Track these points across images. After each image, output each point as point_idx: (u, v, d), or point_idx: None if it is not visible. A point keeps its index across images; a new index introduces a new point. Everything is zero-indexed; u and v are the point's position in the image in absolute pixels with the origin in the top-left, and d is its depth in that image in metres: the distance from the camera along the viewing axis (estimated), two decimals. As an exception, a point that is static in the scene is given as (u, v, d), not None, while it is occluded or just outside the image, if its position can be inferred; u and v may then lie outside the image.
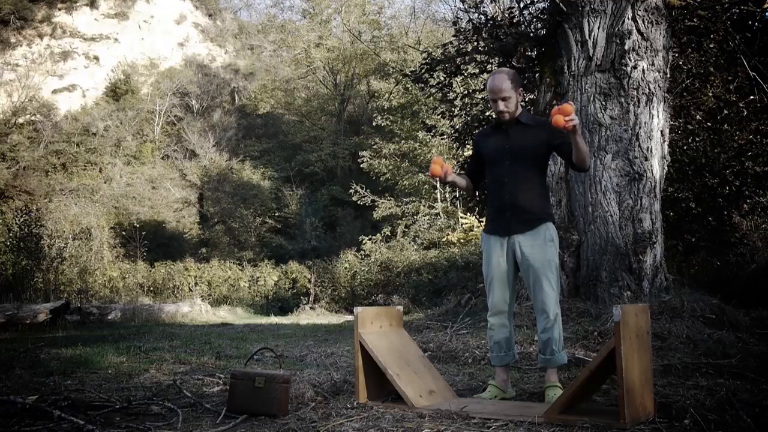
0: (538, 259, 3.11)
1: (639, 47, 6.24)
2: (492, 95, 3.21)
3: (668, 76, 6.69)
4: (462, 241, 17.02)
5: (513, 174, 3.19)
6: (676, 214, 8.72)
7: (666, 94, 6.54)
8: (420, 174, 22.73)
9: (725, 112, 8.26)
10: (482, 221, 14.93)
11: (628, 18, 6.23)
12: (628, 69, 6.20)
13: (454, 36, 9.21)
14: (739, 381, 3.37)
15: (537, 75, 7.58)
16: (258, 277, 18.94)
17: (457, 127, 10.25)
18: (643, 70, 6.24)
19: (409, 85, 21.09)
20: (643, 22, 6.27)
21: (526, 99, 9.01)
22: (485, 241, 3.30)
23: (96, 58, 41.61)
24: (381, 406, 2.96)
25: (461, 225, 18.51)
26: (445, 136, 14.72)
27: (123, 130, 34.13)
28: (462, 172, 3.43)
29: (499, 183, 3.23)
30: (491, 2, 11.51)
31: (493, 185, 3.28)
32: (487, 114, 9.72)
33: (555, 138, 3.16)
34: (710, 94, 8.15)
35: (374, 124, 25.07)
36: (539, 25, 8.22)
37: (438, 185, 22.20)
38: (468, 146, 10.27)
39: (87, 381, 4.07)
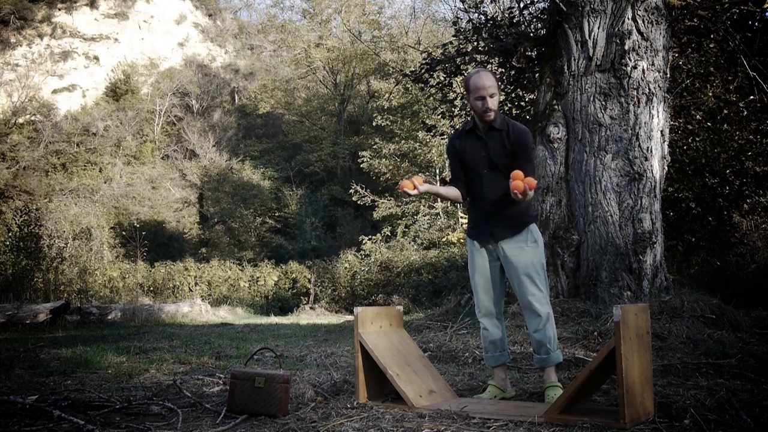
0: (522, 260, 3.11)
1: (639, 47, 6.24)
2: (480, 92, 3.09)
3: (668, 76, 6.69)
4: (462, 241, 17.01)
5: (492, 182, 3.16)
6: (676, 214, 8.72)
7: (666, 94, 6.54)
8: (420, 174, 22.71)
9: (725, 112, 8.26)
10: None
11: (628, 18, 6.23)
12: (628, 69, 6.21)
13: (454, 36, 9.22)
14: (739, 381, 3.37)
15: (537, 75, 7.58)
16: (258, 277, 18.92)
17: (457, 127, 10.25)
18: (643, 70, 6.24)
19: (409, 85, 21.09)
20: (643, 22, 6.27)
21: (526, 99, 9.02)
22: (470, 245, 3.30)
23: (96, 58, 41.62)
24: (381, 406, 2.96)
25: (461, 225, 18.51)
26: (445, 136, 14.72)
27: (123, 130, 34.13)
28: (447, 182, 3.36)
29: (479, 191, 3.21)
30: (491, 2, 11.52)
31: (474, 193, 3.25)
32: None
33: (513, 149, 3.14)
34: (710, 94, 8.15)
35: (374, 124, 25.06)
36: (539, 25, 8.23)
37: (438, 185, 22.16)
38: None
39: (87, 381, 4.07)
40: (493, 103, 3.11)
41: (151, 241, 24.78)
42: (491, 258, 3.21)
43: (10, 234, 15.09)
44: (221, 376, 4.04)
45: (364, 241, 18.92)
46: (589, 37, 6.34)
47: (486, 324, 3.27)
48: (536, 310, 3.10)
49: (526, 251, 3.12)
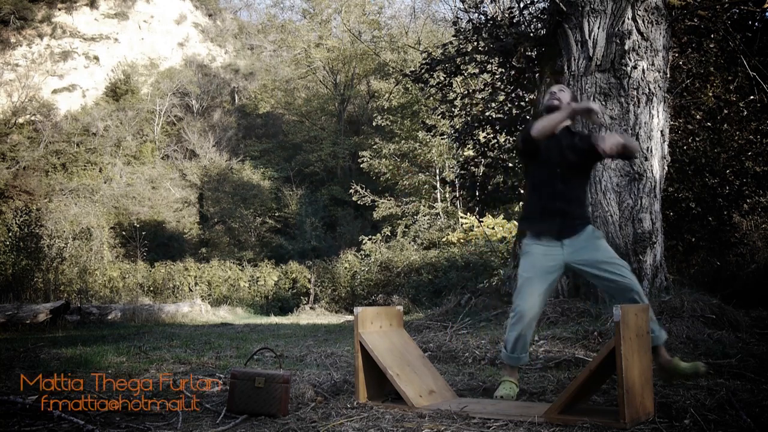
0: (601, 250, 3.13)
1: (639, 47, 6.24)
2: (551, 88, 3.47)
3: (668, 76, 6.69)
4: (462, 241, 17.01)
5: (564, 179, 3.21)
6: (676, 214, 8.72)
7: (666, 94, 6.54)
8: (420, 174, 22.74)
9: (725, 112, 8.26)
10: (482, 221, 14.94)
11: (628, 18, 6.24)
12: (628, 69, 6.21)
13: (454, 36, 9.21)
14: (739, 381, 3.37)
15: (537, 75, 7.58)
16: (258, 277, 18.92)
17: (457, 127, 10.26)
18: (643, 70, 6.24)
19: (409, 85, 21.09)
20: (643, 22, 6.27)
21: (526, 99, 9.02)
22: (529, 244, 3.25)
23: (96, 58, 41.60)
24: (381, 406, 2.96)
25: (461, 225, 18.51)
26: (445, 136, 14.72)
27: (123, 130, 34.12)
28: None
29: (550, 186, 3.22)
30: (491, 2, 11.53)
31: (543, 188, 3.26)
32: (487, 114, 9.72)
33: (584, 145, 3.24)
34: (710, 94, 8.15)
35: (374, 124, 25.06)
36: (539, 25, 8.22)
37: (438, 185, 22.21)
38: (468, 146, 10.26)
39: (87, 381, 4.07)
40: (560, 93, 3.37)
41: (151, 241, 24.76)
42: (554, 262, 3.17)
43: (10, 234, 15.09)
44: (221, 376, 4.04)
45: (364, 241, 18.92)
46: (589, 37, 6.34)
47: (525, 323, 3.19)
48: (639, 289, 3.08)
49: (602, 243, 3.19)
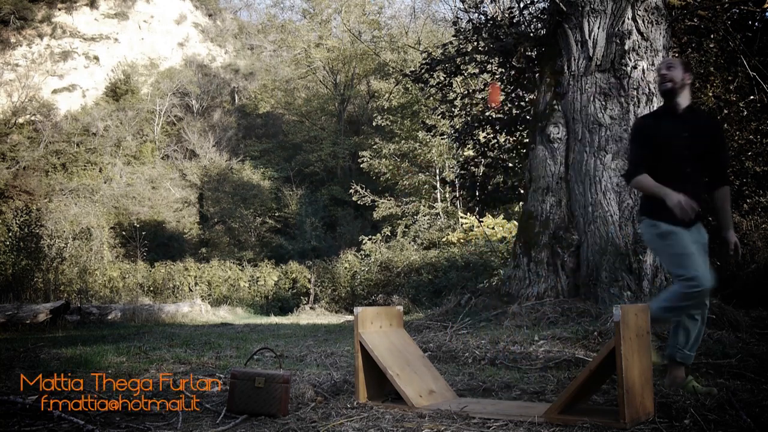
0: (706, 245, 3.21)
1: (639, 47, 6.24)
2: (659, 66, 3.22)
3: (668, 76, 6.68)
4: (462, 241, 17.01)
5: (694, 163, 3.16)
6: (676, 214, 8.71)
7: (666, 94, 6.53)
8: (420, 174, 22.74)
9: (725, 112, 8.26)
10: (482, 221, 14.94)
11: (628, 18, 6.24)
12: (628, 69, 6.21)
13: (454, 36, 9.22)
14: (739, 381, 3.37)
15: (537, 75, 7.59)
16: (258, 277, 18.91)
17: (457, 127, 10.26)
18: (643, 70, 6.25)
19: (409, 85, 21.09)
20: (643, 22, 6.27)
21: (526, 99, 9.02)
22: (670, 226, 3.18)
23: (96, 58, 41.61)
24: (381, 406, 2.96)
25: (461, 225, 18.51)
26: (445, 136, 14.72)
27: (123, 130, 34.12)
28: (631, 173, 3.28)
29: (681, 172, 3.16)
30: (491, 2, 11.52)
31: (673, 174, 3.16)
32: (487, 114, 9.73)
33: (717, 144, 3.15)
34: (710, 94, 8.15)
35: (374, 124, 25.05)
36: (539, 25, 8.23)
37: (438, 185, 22.20)
38: (468, 146, 10.26)
39: (87, 381, 4.07)
40: (669, 71, 3.14)
41: (151, 241, 24.77)
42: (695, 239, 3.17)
43: (10, 234, 15.09)
44: (221, 376, 4.04)
45: (364, 241, 18.92)
46: (589, 37, 6.35)
47: (704, 293, 3.20)
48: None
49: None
